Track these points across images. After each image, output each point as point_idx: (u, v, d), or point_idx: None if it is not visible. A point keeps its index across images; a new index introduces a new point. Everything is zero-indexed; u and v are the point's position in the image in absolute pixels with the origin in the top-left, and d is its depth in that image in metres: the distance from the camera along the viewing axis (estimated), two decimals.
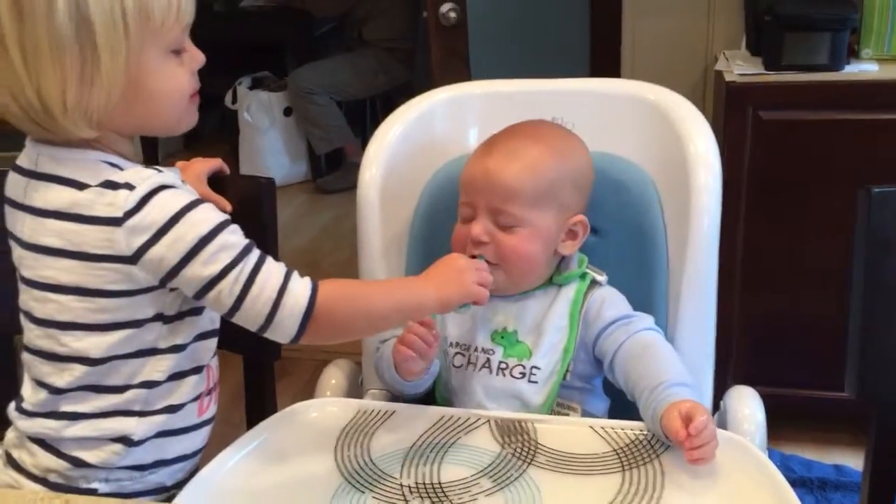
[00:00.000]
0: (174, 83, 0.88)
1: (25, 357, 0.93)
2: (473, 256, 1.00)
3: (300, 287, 0.87)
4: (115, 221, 0.83)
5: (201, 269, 0.84)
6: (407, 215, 1.17)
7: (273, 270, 0.87)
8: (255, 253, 0.87)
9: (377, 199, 1.14)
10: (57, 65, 0.79)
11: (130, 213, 0.83)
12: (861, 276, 0.98)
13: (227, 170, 1.12)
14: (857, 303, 0.98)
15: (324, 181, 3.82)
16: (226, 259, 0.85)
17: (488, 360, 1.02)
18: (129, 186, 0.83)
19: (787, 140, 1.70)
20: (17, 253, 0.90)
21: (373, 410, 1.00)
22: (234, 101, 3.79)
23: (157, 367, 0.91)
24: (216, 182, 1.11)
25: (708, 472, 0.86)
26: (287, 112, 3.79)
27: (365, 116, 4.20)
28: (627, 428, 0.94)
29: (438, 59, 2.67)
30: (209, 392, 0.98)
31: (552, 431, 0.94)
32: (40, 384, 0.91)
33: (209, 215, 0.86)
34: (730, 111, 1.72)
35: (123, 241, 0.83)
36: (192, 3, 0.87)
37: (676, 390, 0.90)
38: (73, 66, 0.80)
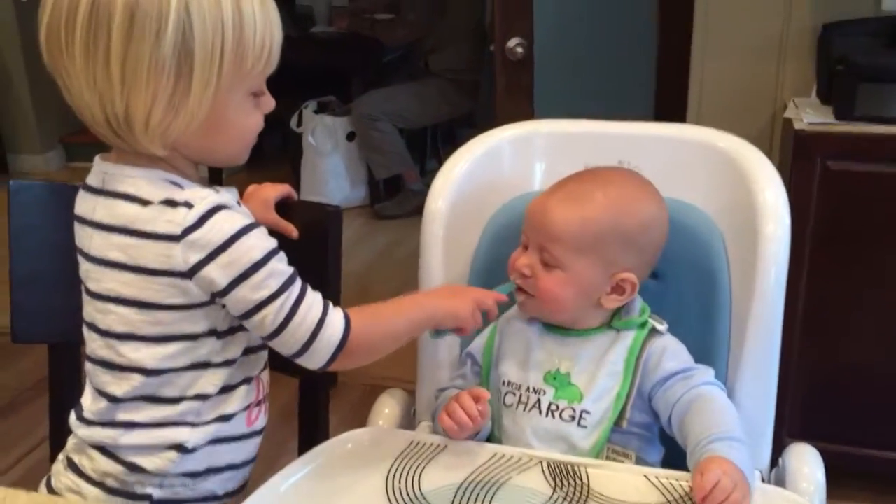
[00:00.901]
0: (248, 123, 0.92)
1: (88, 367, 0.96)
2: (519, 289, 1.04)
3: (337, 320, 0.92)
4: (174, 238, 0.86)
5: (250, 293, 0.87)
6: (469, 249, 1.17)
7: (315, 301, 0.91)
8: (299, 282, 0.91)
9: (441, 232, 1.14)
10: (150, 86, 0.82)
11: (188, 231, 0.85)
12: None
13: (295, 196, 1.14)
14: None
15: (381, 207, 3.86)
16: (274, 286, 0.88)
17: (538, 400, 1.02)
18: (189, 205, 0.86)
19: (855, 192, 1.67)
20: (84, 267, 0.93)
21: (425, 443, 1.00)
22: (300, 123, 3.86)
23: (211, 381, 0.93)
24: (283, 207, 1.13)
25: None
26: (350, 137, 3.85)
27: (425, 144, 4.24)
28: (682, 479, 0.92)
29: (502, 92, 2.69)
30: (258, 403, 1.00)
31: (605, 477, 0.93)
32: (100, 393, 0.94)
33: (261, 241, 0.89)
34: (797, 159, 1.69)
35: (180, 256, 0.86)
36: (279, 53, 0.91)
37: (715, 446, 0.89)
38: (165, 90, 0.83)
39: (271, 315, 0.88)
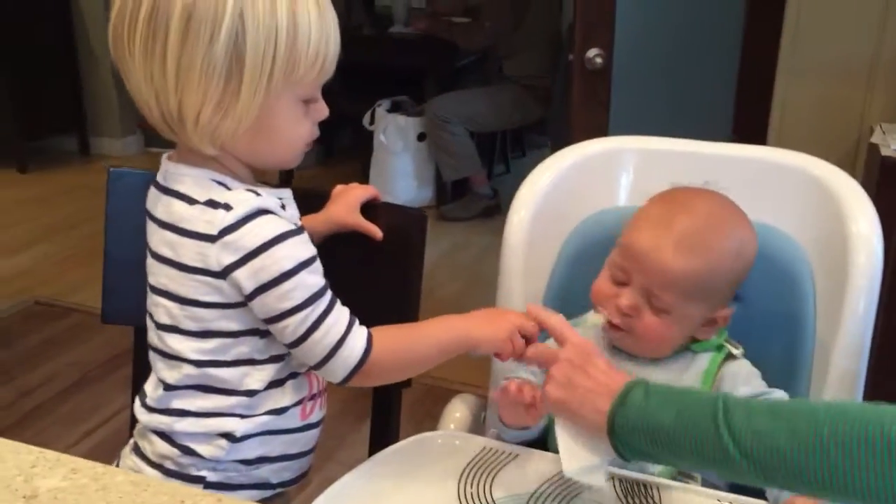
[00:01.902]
0: (298, 130, 0.94)
1: (150, 355, 1.00)
2: (610, 323, 1.01)
3: (358, 340, 0.92)
4: (210, 238, 0.88)
5: (275, 301, 0.89)
6: (549, 262, 1.17)
7: (340, 318, 0.92)
8: (328, 297, 0.92)
9: (523, 242, 1.15)
10: (202, 86, 0.85)
11: (224, 232, 0.88)
12: None
13: (380, 197, 1.16)
14: None
15: (447, 209, 3.88)
16: (299, 297, 0.89)
17: None
18: (228, 207, 0.88)
19: None
20: (148, 261, 0.98)
21: (497, 450, 1.01)
22: (372, 122, 3.90)
23: (257, 377, 0.95)
24: (368, 209, 1.15)
25: None
26: (421, 137, 3.88)
27: (494, 149, 4.25)
28: None
29: (579, 101, 2.68)
30: (313, 397, 1.02)
31: (677, 498, 0.93)
32: (160, 380, 0.98)
33: (296, 251, 0.89)
34: (883, 186, 1.66)
35: (214, 257, 0.88)
36: (333, 64, 0.92)
37: None
38: (215, 91, 0.86)
39: (292, 326, 0.90)
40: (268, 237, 0.88)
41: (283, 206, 0.93)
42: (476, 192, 3.88)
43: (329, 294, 0.92)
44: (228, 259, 0.88)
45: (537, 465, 0.98)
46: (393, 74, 4.14)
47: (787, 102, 2.11)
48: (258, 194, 0.90)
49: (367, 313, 1.17)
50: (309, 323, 0.90)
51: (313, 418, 1.02)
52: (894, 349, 1.68)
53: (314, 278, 0.91)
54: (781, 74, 2.08)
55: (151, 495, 0.73)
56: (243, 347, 0.94)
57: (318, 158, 4.49)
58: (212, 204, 0.89)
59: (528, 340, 0.97)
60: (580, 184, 1.19)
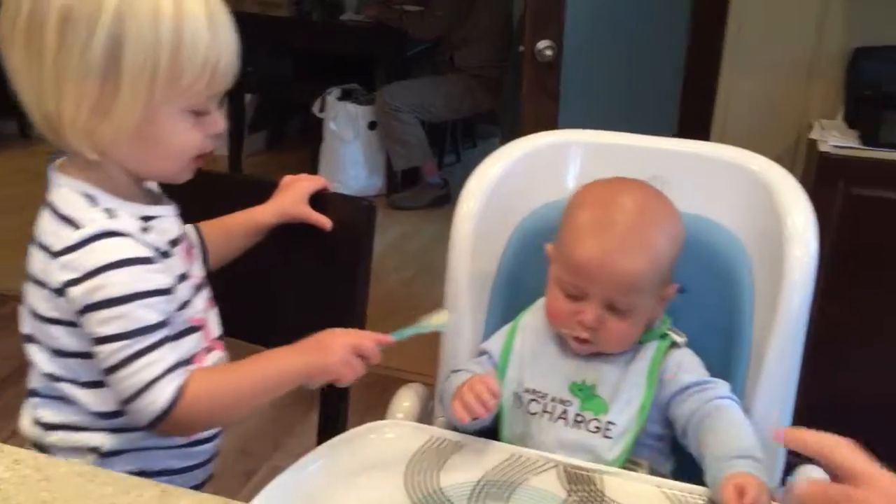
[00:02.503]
0: (183, 141, 0.92)
1: None
2: (578, 338, 1.03)
3: (166, 390, 0.88)
4: (53, 254, 0.88)
5: (96, 325, 0.88)
6: (497, 253, 1.19)
7: (156, 362, 0.88)
8: (155, 336, 0.89)
9: (471, 233, 1.16)
10: (78, 88, 0.85)
11: (66, 251, 0.87)
12: None
13: (330, 188, 1.16)
14: None
15: (397, 198, 3.88)
16: (120, 328, 0.87)
17: (565, 411, 1.04)
18: (76, 225, 0.88)
19: (877, 219, 1.69)
20: None
21: (444, 439, 1.02)
22: (322, 109, 3.88)
23: (116, 399, 0.92)
24: (317, 199, 1.15)
25: None
26: (372, 126, 3.87)
27: (444, 139, 4.26)
28: (696, 493, 0.94)
29: (529, 93, 2.70)
30: None
31: (620, 486, 0.95)
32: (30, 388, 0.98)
33: (134, 280, 0.88)
34: (820, 183, 1.71)
35: (54, 273, 0.88)
36: (228, 76, 0.90)
37: (739, 462, 0.91)
38: (90, 93, 0.85)
39: (104, 354, 0.88)
40: (107, 260, 0.87)
41: (145, 230, 0.91)
42: (426, 181, 3.89)
43: (159, 335, 0.89)
44: (65, 276, 0.87)
45: (484, 454, 1.00)
46: (343, 62, 4.12)
47: (730, 98, 2.15)
48: (112, 216, 0.89)
49: (314, 304, 1.18)
50: (121, 357, 0.87)
51: (205, 433, 1.02)
52: (829, 341, 1.74)
53: (146, 313, 0.88)
54: (725, 70, 2.13)
55: (97, 486, 0.72)
56: (94, 369, 0.91)
57: (267, 145, 4.45)
58: (67, 220, 0.89)
59: (367, 359, 0.96)
60: (529, 175, 1.21)
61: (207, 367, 0.96)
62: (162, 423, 0.89)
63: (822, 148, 1.74)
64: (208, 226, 1.12)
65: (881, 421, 1.73)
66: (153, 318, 0.89)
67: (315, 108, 3.90)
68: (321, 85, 3.90)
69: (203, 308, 1.01)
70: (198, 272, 1.03)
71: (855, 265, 1.70)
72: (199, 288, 1.01)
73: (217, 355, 1.03)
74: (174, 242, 0.97)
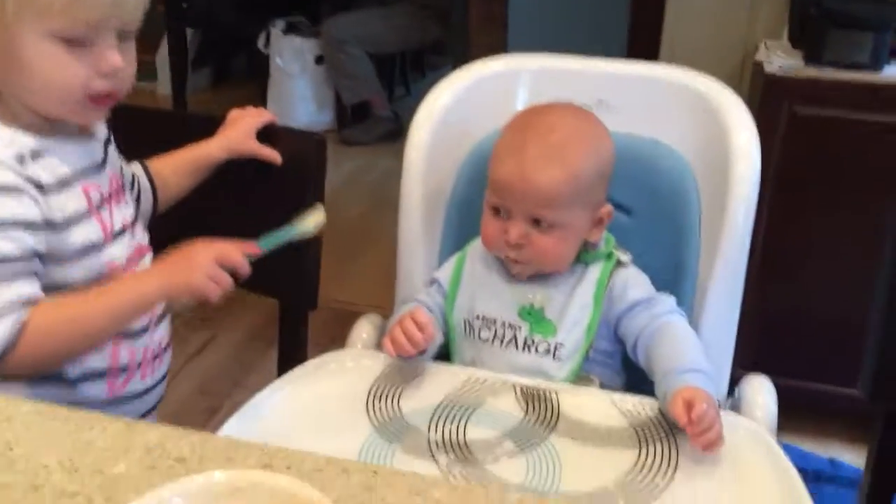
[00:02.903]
0: (60, 72, 0.86)
1: None
2: (509, 258, 1.04)
3: (1, 329, 0.84)
4: None
5: None
6: (450, 180, 1.19)
7: None
8: (2, 268, 0.85)
9: (423, 162, 1.16)
10: None
11: None
12: (886, 282, 1.01)
13: (276, 122, 1.15)
14: (881, 306, 1.01)
15: (348, 132, 3.84)
16: None
17: (515, 335, 1.06)
18: None
19: (820, 137, 1.72)
20: None
21: (403, 366, 1.04)
22: (267, 44, 3.80)
23: None
24: (266, 134, 1.14)
25: (721, 453, 0.90)
26: (319, 60, 3.80)
27: (394, 71, 4.21)
28: (647, 406, 0.98)
29: (476, 21, 2.67)
30: (124, 369, 1.00)
31: (574, 402, 0.98)
32: None
33: None
34: (765, 103, 1.73)
35: None
36: (102, 3, 0.85)
37: (687, 377, 0.94)
38: None
39: None
40: None
41: (27, 160, 0.87)
42: (377, 115, 3.85)
43: (9, 268, 0.85)
44: None
45: (443, 379, 1.02)
46: None
47: (678, 19, 2.16)
48: None
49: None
50: None
51: (131, 389, 1.01)
52: (776, 256, 1.79)
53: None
54: None
55: (60, 423, 0.73)
56: None
57: (211, 82, 4.35)
58: None
59: (237, 273, 0.91)
60: (479, 103, 1.21)
61: (56, 300, 0.89)
62: (2, 361, 0.85)
63: (768, 69, 1.75)
64: (156, 163, 1.11)
65: (828, 338, 1.80)
66: (4, 248, 0.85)
67: (260, 43, 3.81)
68: (265, 18, 3.81)
69: (125, 255, 0.99)
70: (125, 217, 1.00)
71: (800, 184, 1.74)
72: (119, 234, 0.98)
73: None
74: (69, 182, 0.92)
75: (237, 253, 0.91)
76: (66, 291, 0.92)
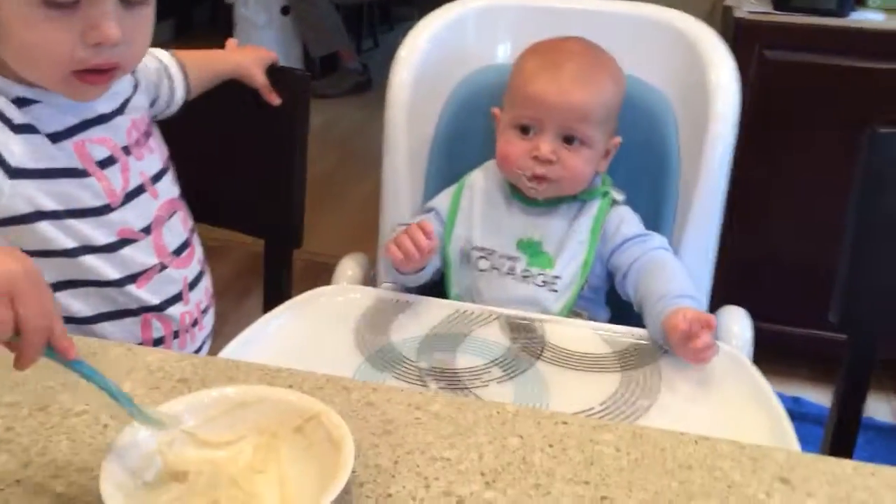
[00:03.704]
0: (46, 42, 0.79)
1: None
2: (535, 176, 1.05)
3: None
4: None
5: None
6: (433, 119, 1.20)
7: None
8: None
9: (406, 103, 1.17)
10: None
11: None
12: (856, 210, 1.04)
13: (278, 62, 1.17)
14: (851, 235, 1.05)
15: (317, 85, 3.79)
16: None
17: (513, 267, 1.08)
18: None
19: (789, 82, 1.75)
20: None
21: (391, 299, 1.06)
22: None
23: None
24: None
25: (701, 378, 0.94)
26: (285, 11, 3.74)
27: (361, 23, 4.17)
28: (629, 334, 1.01)
29: None
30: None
31: (559, 332, 1.01)
32: None
33: None
34: (735, 48, 1.74)
35: None
36: None
37: (682, 301, 0.97)
38: None
39: None
40: None
41: (23, 102, 0.84)
42: (345, 67, 3.82)
43: None
44: None
45: (430, 311, 1.04)
46: None
47: None
48: None
49: (253, 179, 1.19)
50: None
51: None
52: (749, 202, 1.82)
53: None
54: None
55: None
56: None
57: (174, 35, 4.27)
58: None
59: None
60: (459, 42, 1.21)
61: None
62: None
63: (737, 14, 1.78)
64: (183, 56, 1.09)
65: (796, 280, 1.85)
66: None
67: None
68: None
69: (139, 221, 0.95)
70: (143, 172, 0.96)
71: (771, 128, 1.77)
72: (134, 194, 0.95)
73: (175, 273, 0.99)
74: (60, 136, 0.88)
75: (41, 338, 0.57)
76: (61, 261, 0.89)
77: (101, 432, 0.65)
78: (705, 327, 0.91)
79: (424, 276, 1.08)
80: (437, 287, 1.12)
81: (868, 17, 1.73)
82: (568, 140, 1.05)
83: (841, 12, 1.73)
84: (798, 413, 1.92)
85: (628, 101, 1.11)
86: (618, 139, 1.10)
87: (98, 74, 0.84)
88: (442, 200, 1.15)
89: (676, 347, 0.93)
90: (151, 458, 0.60)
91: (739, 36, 1.76)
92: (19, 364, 0.56)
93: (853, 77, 1.70)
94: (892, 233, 1.04)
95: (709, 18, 2.13)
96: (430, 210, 1.15)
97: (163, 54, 1.07)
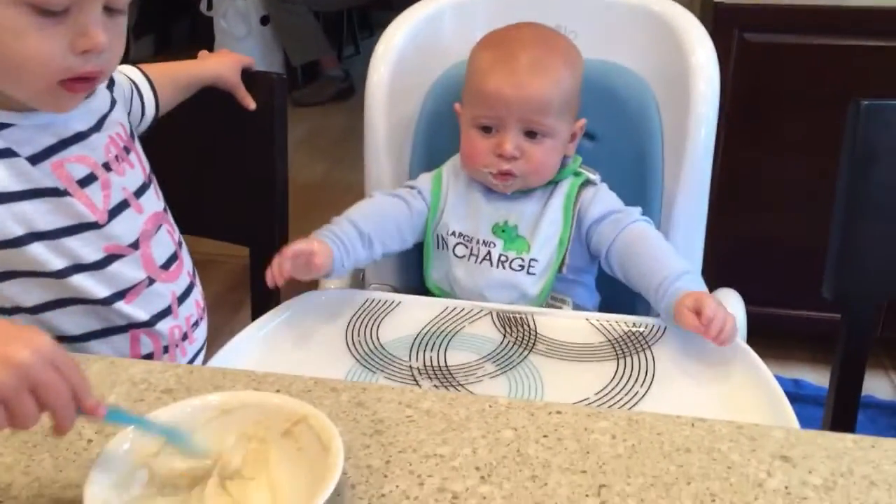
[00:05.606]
0: (38, 52, 0.77)
1: None
2: (501, 173, 1.04)
3: None
4: None
5: None
6: (412, 116, 1.19)
7: None
8: None
9: (385, 101, 1.16)
10: None
11: None
12: (844, 183, 1.04)
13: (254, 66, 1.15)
14: (840, 209, 1.04)
15: (300, 94, 3.78)
16: None
17: (489, 252, 1.07)
18: None
19: (771, 63, 1.74)
20: None
21: (379, 300, 1.05)
22: (210, 7, 3.72)
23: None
24: None
25: (698, 363, 0.92)
26: (264, 21, 3.73)
27: (342, 30, 4.15)
28: (621, 321, 0.99)
29: None
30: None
31: (551, 323, 1.00)
32: None
33: None
34: (715, 31, 1.74)
35: None
36: None
37: (679, 284, 0.96)
38: None
39: None
40: None
41: None
42: (327, 74, 3.81)
43: None
44: None
45: (420, 311, 1.03)
46: None
47: None
48: None
49: (234, 186, 1.18)
50: None
51: None
52: (734, 185, 1.82)
53: None
54: None
55: None
56: None
57: (155, 50, 4.25)
58: None
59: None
60: (436, 36, 1.20)
61: None
62: None
63: None
64: (153, 70, 1.08)
65: (787, 262, 1.85)
66: None
67: (202, 6, 3.72)
68: None
69: (126, 236, 0.94)
70: (126, 187, 0.95)
71: (757, 111, 1.76)
72: (119, 209, 0.94)
73: (163, 287, 0.97)
74: (38, 158, 0.87)
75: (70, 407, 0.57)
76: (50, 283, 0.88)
77: (85, 448, 0.63)
78: (718, 321, 0.89)
79: (341, 272, 1.05)
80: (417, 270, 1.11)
81: None
82: (530, 134, 1.04)
83: None
84: (798, 395, 1.91)
85: (607, 90, 1.11)
86: (582, 121, 1.09)
87: (84, 82, 0.83)
88: (423, 182, 1.13)
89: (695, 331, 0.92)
90: (137, 470, 0.58)
91: (720, 19, 1.75)
92: (56, 434, 0.58)
93: (836, 55, 1.70)
94: (881, 204, 1.03)
95: (688, 2, 2.14)
96: (413, 188, 1.13)
97: (131, 71, 1.06)
